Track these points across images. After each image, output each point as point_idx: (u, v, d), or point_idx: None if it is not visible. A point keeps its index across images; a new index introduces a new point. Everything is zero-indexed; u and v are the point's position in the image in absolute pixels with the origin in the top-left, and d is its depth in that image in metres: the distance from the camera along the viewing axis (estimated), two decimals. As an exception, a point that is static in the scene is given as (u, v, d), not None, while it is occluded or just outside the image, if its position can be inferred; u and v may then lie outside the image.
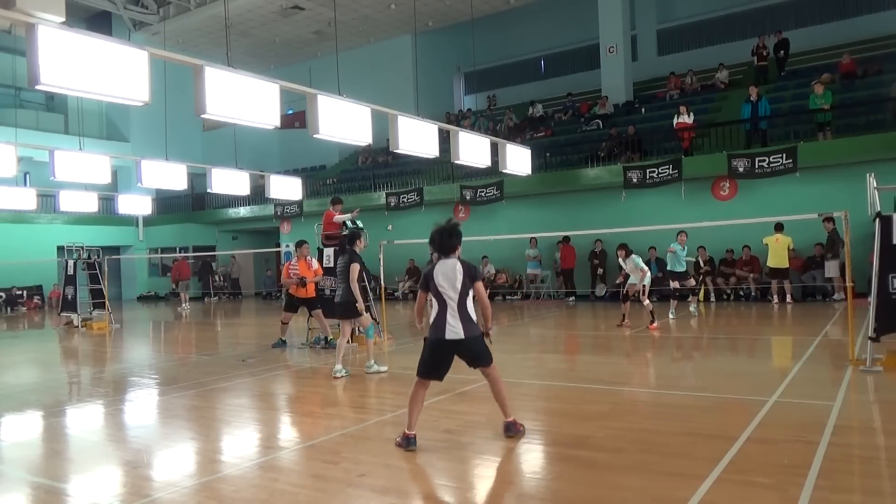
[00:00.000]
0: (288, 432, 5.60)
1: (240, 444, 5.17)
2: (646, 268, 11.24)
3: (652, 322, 10.92)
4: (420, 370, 4.74)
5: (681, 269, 12.04)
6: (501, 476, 4.16)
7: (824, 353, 8.06)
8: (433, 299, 4.73)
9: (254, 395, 6.98)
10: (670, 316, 12.16)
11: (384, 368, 7.75)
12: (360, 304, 7.68)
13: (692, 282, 12.60)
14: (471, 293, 4.66)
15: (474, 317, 4.69)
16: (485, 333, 4.79)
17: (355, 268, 7.64)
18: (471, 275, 4.63)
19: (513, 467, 4.33)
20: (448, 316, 4.62)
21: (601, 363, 8.32)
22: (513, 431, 4.78)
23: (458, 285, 4.59)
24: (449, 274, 4.63)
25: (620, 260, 11.42)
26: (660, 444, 4.50)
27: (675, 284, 12.27)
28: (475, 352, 4.69)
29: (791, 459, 4.06)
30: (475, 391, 6.51)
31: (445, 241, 4.72)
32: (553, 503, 3.63)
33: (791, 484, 3.61)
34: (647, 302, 11.15)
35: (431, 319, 4.72)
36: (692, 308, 12.89)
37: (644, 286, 11.10)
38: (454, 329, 4.59)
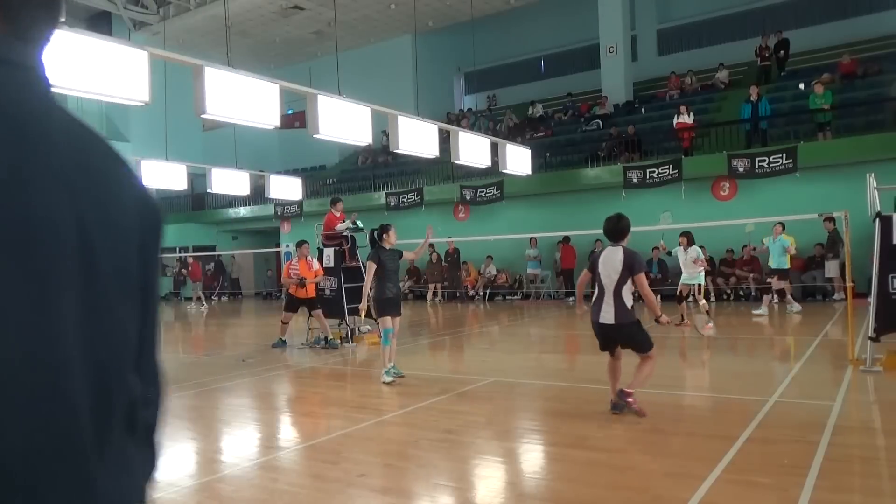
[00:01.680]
0: (288, 432, 5.60)
1: (240, 444, 5.17)
2: (703, 260, 11.12)
3: (707, 322, 10.66)
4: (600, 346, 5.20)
5: (776, 265, 11.97)
6: (501, 476, 4.16)
7: (824, 353, 8.06)
8: (596, 283, 5.03)
9: (254, 395, 6.98)
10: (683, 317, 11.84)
11: (389, 379, 6.94)
12: (363, 305, 7.23)
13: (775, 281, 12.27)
14: (629, 283, 4.91)
15: (629, 304, 4.92)
16: (656, 320, 5.19)
17: (371, 267, 7.01)
18: (630, 267, 4.85)
19: (513, 467, 4.33)
20: (603, 301, 4.93)
21: (601, 363, 8.29)
22: (623, 400, 5.08)
23: (616, 274, 4.87)
24: (610, 262, 4.93)
25: (681, 248, 11.12)
26: (660, 444, 4.50)
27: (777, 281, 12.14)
28: (628, 337, 5.01)
29: (791, 459, 4.06)
30: (475, 391, 6.52)
31: (613, 227, 5.07)
32: (553, 503, 3.63)
33: (791, 484, 3.61)
34: (703, 302, 10.89)
35: (593, 301, 5.05)
36: (791, 308, 12.33)
37: (699, 285, 10.96)
38: (606, 314, 4.93)
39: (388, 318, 7.05)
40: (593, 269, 5.10)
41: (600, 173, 17.33)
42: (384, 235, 7.19)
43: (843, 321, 10.07)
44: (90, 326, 0.64)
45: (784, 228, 11.99)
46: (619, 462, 4.20)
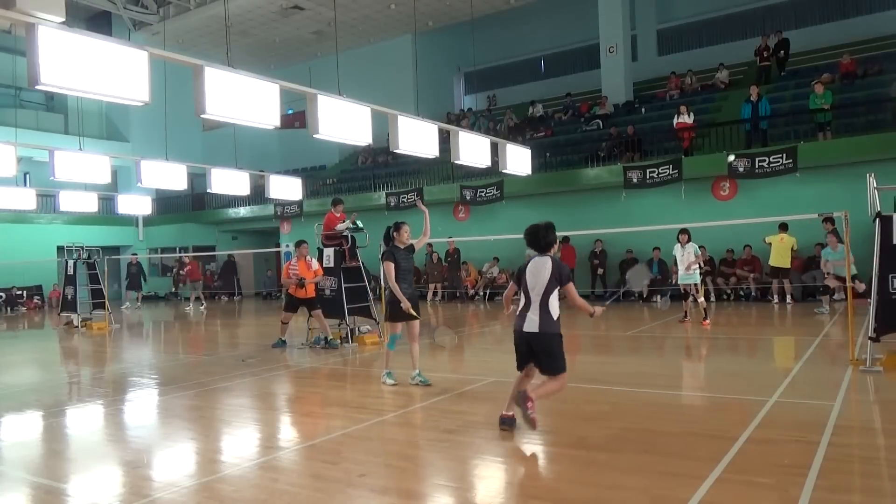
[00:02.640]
0: (288, 432, 5.60)
1: (240, 444, 5.17)
2: (700, 256, 11.19)
3: (705, 319, 10.94)
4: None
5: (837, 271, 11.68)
6: (501, 476, 4.16)
7: (824, 353, 8.06)
8: (521, 293, 4.95)
9: (254, 395, 6.98)
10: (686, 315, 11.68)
11: (391, 382, 6.86)
12: (406, 304, 6.66)
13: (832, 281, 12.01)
14: (556, 292, 4.80)
15: (555, 315, 4.81)
16: (590, 315, 5.00)
17: (389, 266, 6.76)
18: (559, 277, 4.79)
19: (513, 467, 4.33)
20: (528, 311, 4.84)
21: (601, 363, 8.31)
22: (506, 424, 4.88)
23: (545, 283, 4.78)
24: (538, 272, 4.82)
25: (678, 246, 11.23)
26: (660, 444, 4.50)
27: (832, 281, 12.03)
28: (547, 349, 4.81)
29: (791, 459, 4.06)
30: (475, 391, 6.52)
31: (541, 238, 4.92)
32: (553, 503, 3.63)
33: (791, 484, 3.61)
34: (701, 299, 11.10)
35: (517, 312, 4.97)
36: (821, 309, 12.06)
37: (696, 285, 11.12)
38: (531, 323, 4.80)
39: (398, 324, 6.82)
40: (519, 280, 4.98)
41: (600, 173, 17.33)
42: (395, 234, 6.95)
43: (843, 321, 10.08)
44: None
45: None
46: (619, 462, 4.20)
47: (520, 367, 5.03)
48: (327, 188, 23.68)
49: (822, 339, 9.07)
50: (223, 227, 27.29)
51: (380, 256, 7.14)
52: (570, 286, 4.85)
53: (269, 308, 19.58)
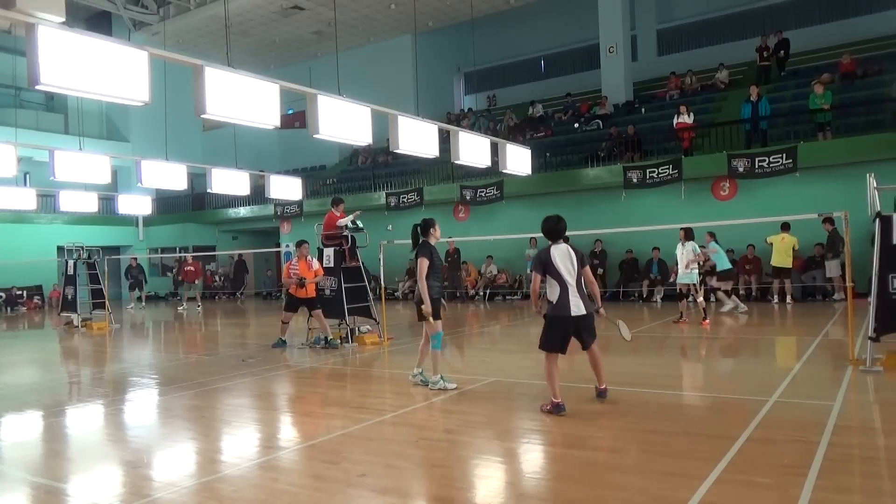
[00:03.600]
0: (288, 432, 5.60)
1: (240, 444, 5.17)
2: (700, 255, 11.34)
3: (704, 318, 11.04)
4: (545, 346, 5.37)
5: (727, 267, 12.46)
6: (501, 476, 4.16)
7: (824, 353, 8.06)
8: (551, 281, 5.28)
9: (254, 395, 6.98)
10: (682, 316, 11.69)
11: (452, 385, 6.49)
12: (427, 306, 6.29)
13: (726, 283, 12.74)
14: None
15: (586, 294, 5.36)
16: (596, 311, 5.55)
17: (423, 263, 6.34)
18: (581, 260, 5.33)
19: (513, 467, 4.33)
20: (570, 295, 5.24)
21: (601, 363, 8.31)
22: (604, 396, 5.67)
23: (577, 268, 5.25)
24: (566, 258, 5.27)
25: (680, 244, 11.31)
26: (660, 444, 4.50)
27: (716, 283, 12.65)
28: (591, 324, 5.39)
29: (791, 459, 4.06)
30: (475, 391, 6.51)
31: (559, 227, 5.37)
32: (553, 503, 3.63)
33: (791, 484, 3.61)
34: (700, 299, 11.21)
35: (554, 300, 5.26)
36: (727, 307, 12.73)
37: (694, 285, 11.21)
38: (578, 307, 5.22)
39: (439, 322, 6.46)
40: (545, 271, 5.27)
41: (600, 173, 17.32)
42: (430, 230, 6.57)
43: (843, 321, 10.07)
44: None
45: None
46: (619, 462, 4.20)
47: (564, 350, 5.36)
48: (327, 188, 23.67)
49: (822, 339, 9.07)
50: (223, 227, 27.28)
51: (412, 253, 6.70)
52: (587, 269, 5.39)
53: (269, 308, 19.57)
